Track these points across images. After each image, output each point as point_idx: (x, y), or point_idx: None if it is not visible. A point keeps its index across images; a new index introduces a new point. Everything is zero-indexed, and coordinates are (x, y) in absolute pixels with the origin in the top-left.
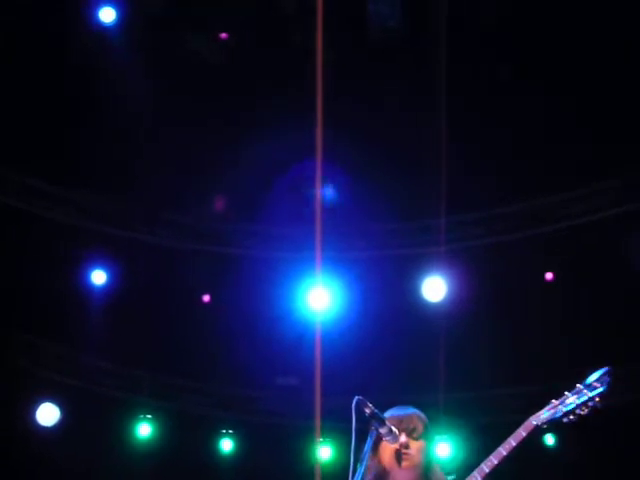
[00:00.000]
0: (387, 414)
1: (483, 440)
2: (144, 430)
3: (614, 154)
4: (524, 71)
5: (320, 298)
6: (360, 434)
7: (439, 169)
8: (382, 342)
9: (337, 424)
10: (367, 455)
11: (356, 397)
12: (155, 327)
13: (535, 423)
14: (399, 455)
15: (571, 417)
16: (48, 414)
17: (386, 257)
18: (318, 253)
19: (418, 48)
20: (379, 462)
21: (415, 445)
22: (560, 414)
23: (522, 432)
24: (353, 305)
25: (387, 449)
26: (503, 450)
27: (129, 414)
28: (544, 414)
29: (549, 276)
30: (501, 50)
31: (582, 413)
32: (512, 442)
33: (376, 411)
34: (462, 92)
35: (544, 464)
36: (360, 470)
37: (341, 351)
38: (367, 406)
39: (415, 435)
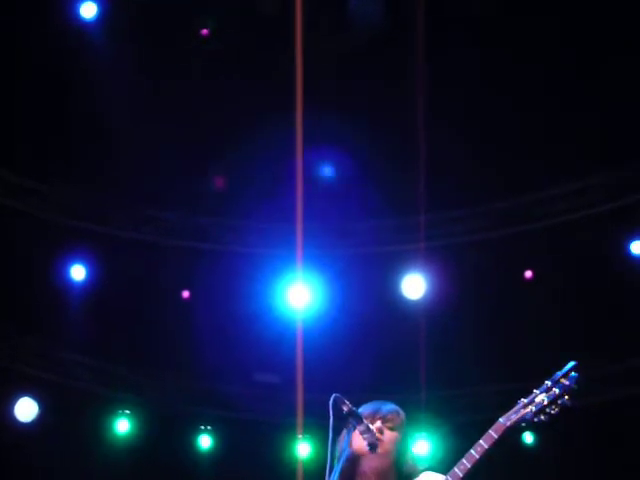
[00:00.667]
0: (365, 406)
1: (463, 438)
2: (123, 426)
3: (596, 153)
4: (507, 66)
5: (300, 295)
6: (338, 432)
7: (419, 166)
8: (362, 339)
9: (317, 421)
10: (344, 452)
11: (334, 394)
12: (134, 323)
13: (504, 423)
14: (359, 438)
15: (542, 417)
16: (26, 409)
17: (366, 254)
18: (299, 250)
19: (399, 44)
20: (350, 447)
21: (388, 434)
22: (530, 415)
23: (493, 434)
24: (333, 302)
25: (358, 435)
26: (475, 453)
27: (108, 410)
28: (514, 414)
29: (528, 274)
30: (485, 43)
31: (552, 412)
32: (484, 444)
33: (354, 408)
34: (444, 89)
35: (523, 463)
36: (337, 467)
37: (321, 348)
38: (345, 403)
39: (389, 425)
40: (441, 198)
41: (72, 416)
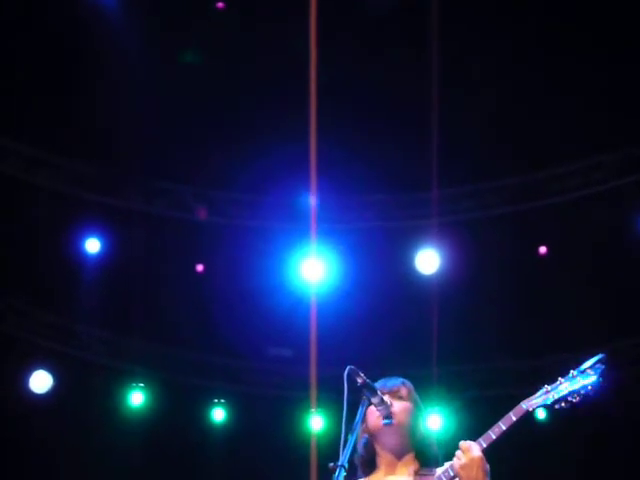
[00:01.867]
0: (377, 384)
1: (475, 413)
2: (136, 399)
3: (607, 129)
4: (519, 42)
5: (314, 269)
6: (352, 404)
7: (434, 141)
8: (376, 314)
9: (330, 395)
10: (358, 425)
11: (348, 367)
12: (148, 296)
13: (526, 408)
14: (375, 416)
15: (562, 404)
16: (41, 381)
17: (380, 229)
18: (313, 224)
19: (411, 23)
20: (366, 427)
21: (399, 405)
22: (551, 401)
23: (512, 416)
24: (347, 277)
25: (372, 412)
26: (493, 434)
27: (122, 382)
28: (535, 399)
29: (543, 250)
30: (496, 22)
31: (574, 401)
32: (502, 426)
33: (368, 381)
34: (458, 64)
35: (534, 438)
36: (351, 440)
37: (334, 322)
38: (359, 375)
39: (398, 396)
40: (455, 173)
41: (86, 388)
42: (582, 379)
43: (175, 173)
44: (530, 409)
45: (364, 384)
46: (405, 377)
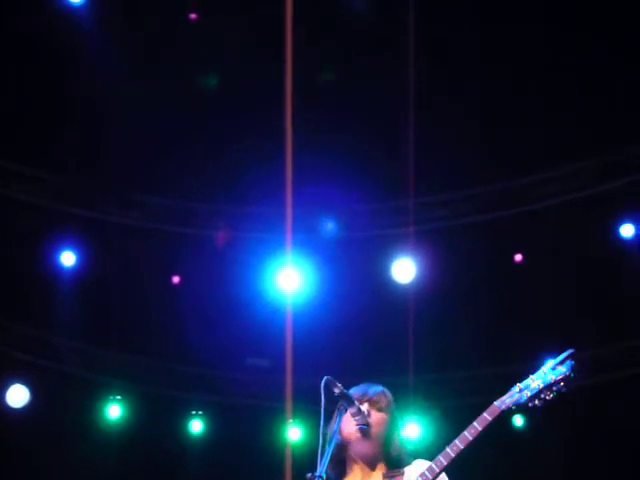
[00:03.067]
0: (353, 389)
1: (452, 422)
2: (114, 411)
3: (584, 137)
4: (495, 50)
5: (290, 279)
6: (329, 414)
7: (408, 150)
8: (352, 323)
9: (308, 405)
10: (335, 434)
11: (325, 377)
12: (125, 308)
13: (499, 407)
14: (350, 424)
15: (536, 402)
16: (17, 396)
17: (356, 238)
18: (289, 234)
19: (388, 32)
20: (340, 434)
21: (376, 416)
22: (525, 399)
23: (487, 416)
24: (323, 286)
25: (348, 420)
26: (469, 435)
27: (99, 395)
28: (508, 398)
29: (518, 257)
30: (470, 28)
31: (547, 398)
32: (477, 426)
33: (345, 391)
34: (434, 70)
35: (513, 446)
36: (328, 450)
37: (311, 332)
38: (336, 386)
39: (377, 406)
40: (430, 181)
41: (63, 402)
42: (553, 375)
43: (151, 185)
44: (504, 407)
45: (341, 394)
46: (381, 385)
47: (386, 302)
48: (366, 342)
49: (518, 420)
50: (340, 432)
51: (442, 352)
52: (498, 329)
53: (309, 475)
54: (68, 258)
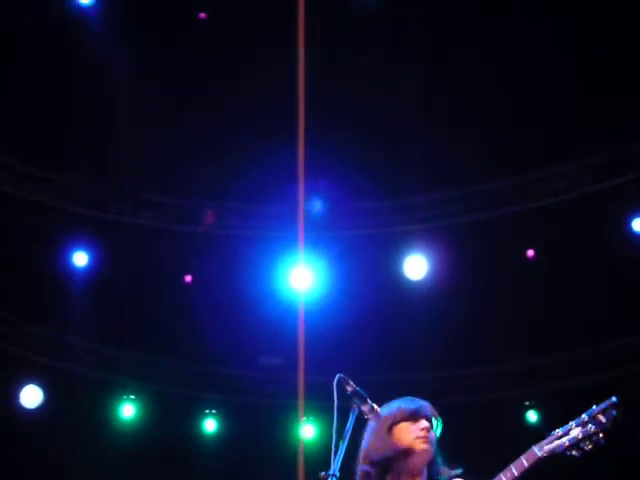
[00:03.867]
0: (398, 403)
1: (462, 420)
2: (127, 411)
3: (595, 131)
4: (503, 42)
5: (302, 277)
6: (342, 412)
7: (420, 146)
8: (364, 321)
9: (320, 403)
10: (349, 433)
11: (338, 375)
12: (138, 308)
13: (539, 454)
14: (421, 437)
15: (574, 452)
16: (31, 396)
17: (368, 236)
18: (300, 232)
19: (396, 24)
20: (396, 442)
21: (431, 433)
22: (562, 448)
23: (524, 462)
24: (335, 284)
25: (406, 430)
26: (504, 477)
27: (112, 395)
28: (547, 445)
29: (530, 253)
30: (473, 20)
31: (585, 448)
32: (514, 471)
33: (357, 388)
34: (440, 66)
35: (527, 441)
36: (342, 448)
37: (324, 330)
38: (349, 384)
39: (434, 422)
40: (441, 178)
41: (77, 402)
42: (593, 425)
43: (162, 185)
44: (542, 454)
45: (354, 392)
46: (394, 382)
47: (398, 299)
48: (378, 339)
49: (532, 416)
50: (398, 441)
51: (454, 349)
52: (511, 325)
53: (322, 474)
54: (80, 258)
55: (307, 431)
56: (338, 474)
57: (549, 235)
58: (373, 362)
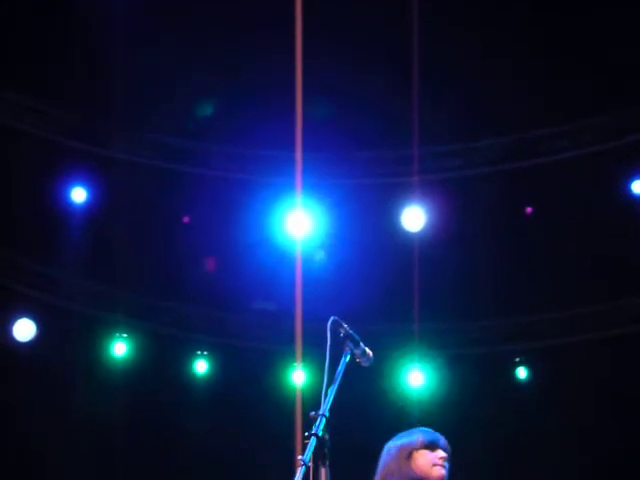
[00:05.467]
0: (417, 432)
1: (456, 370)
2: (120, 349)
3: (594, 92)
4: (504, 8)
5: (300, 223)
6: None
7: (419, 100)
8: (361, 269)
9: (314, 349)
10: (340, 375)
11: (332, 318)
12: (134, 247)
13: None
14: (438, 464)
15: None
16: (25, 330)
17: (366, 185)
18: (298, 178)
19: None
20: (414, 469)
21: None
22: None
23: None
24: (333, 231)
25: (424, 458)
26: None
27: (105, 333)
28: None
29: (529, 210)
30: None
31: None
32: None
33: (351, 332)
34: (441, 23)
35: (516, 397)
36: (332, 391)
37: (320, 277)
38: (342, 327)
39: (448, 454)
40: (440, 132)
41: (70, 338)
42: None
43: (160, 124)
44: None
45: (347, 335)
46: (388, 333)
47: (395, 249)
48: (375, 288)
49: (522, 372)
50: (415, 467)
51: (448, 301)
52: (505, 280)
53: (312, 413)
54: (79, 194)
55: (299, 377)
56: (328, 414)
57: (550, 192)
58: (369, 310)
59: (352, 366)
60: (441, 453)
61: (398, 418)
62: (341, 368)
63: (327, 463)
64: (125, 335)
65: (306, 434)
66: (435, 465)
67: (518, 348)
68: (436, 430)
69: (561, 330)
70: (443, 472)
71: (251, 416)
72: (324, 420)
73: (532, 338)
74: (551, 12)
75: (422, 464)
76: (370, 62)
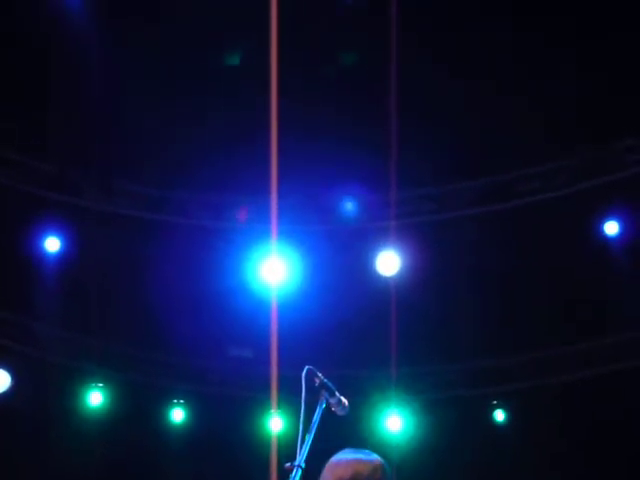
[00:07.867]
0: (351, 455)
1: (434, 415)
2: (95, 398)
3: (568, 136)
4: (474, 48)
5: (275, 270)
6: (310, 404)
7: (394, 146)
8: (336, 315)
9: (290, 396)
10: (316, 424)
11: (306, 367)
12: (109, 296)
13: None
14: None
15: None
16: None
17: (341, 230)
18: (274, 224)
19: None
20: None
21: None
22: None
23: None
24: (308, 278)
25: None
26: None
27: (80, 382)
28: None
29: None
30: (451, 24)
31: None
32: None
33: (325, 380)
34: (415, 70)
35: (494, 440)
36: (308, 440)
37: (295, 324)
38: (317, 376)
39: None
40: (415, 176)
41: (45, 388)
42: None
43: (134, 172)
44: None
45: (321, 384)
46: (365, 378)
47: (370, 294)
48: (350, 334)
49: (499, 415)
50: None
51: (425, 345)
52: (480, 323)
53: (288, 464)
54: (52, 244)
55: (276, 424)
56: (304, 465)
57: (524, 235)
58: (344, 356)
59: (329, 412)
60: (333, 399)
61: None
62: (316, 417)
63: None
64: (101, 384)
65: None
66: None
67: (495, 390)
68: (416, 474)
69: (537, 371)
70: None
71: (228, 464)
72: (300, 471)
73: (509, 380)
74: (520, 54)
75: None
76: (347, 113)
